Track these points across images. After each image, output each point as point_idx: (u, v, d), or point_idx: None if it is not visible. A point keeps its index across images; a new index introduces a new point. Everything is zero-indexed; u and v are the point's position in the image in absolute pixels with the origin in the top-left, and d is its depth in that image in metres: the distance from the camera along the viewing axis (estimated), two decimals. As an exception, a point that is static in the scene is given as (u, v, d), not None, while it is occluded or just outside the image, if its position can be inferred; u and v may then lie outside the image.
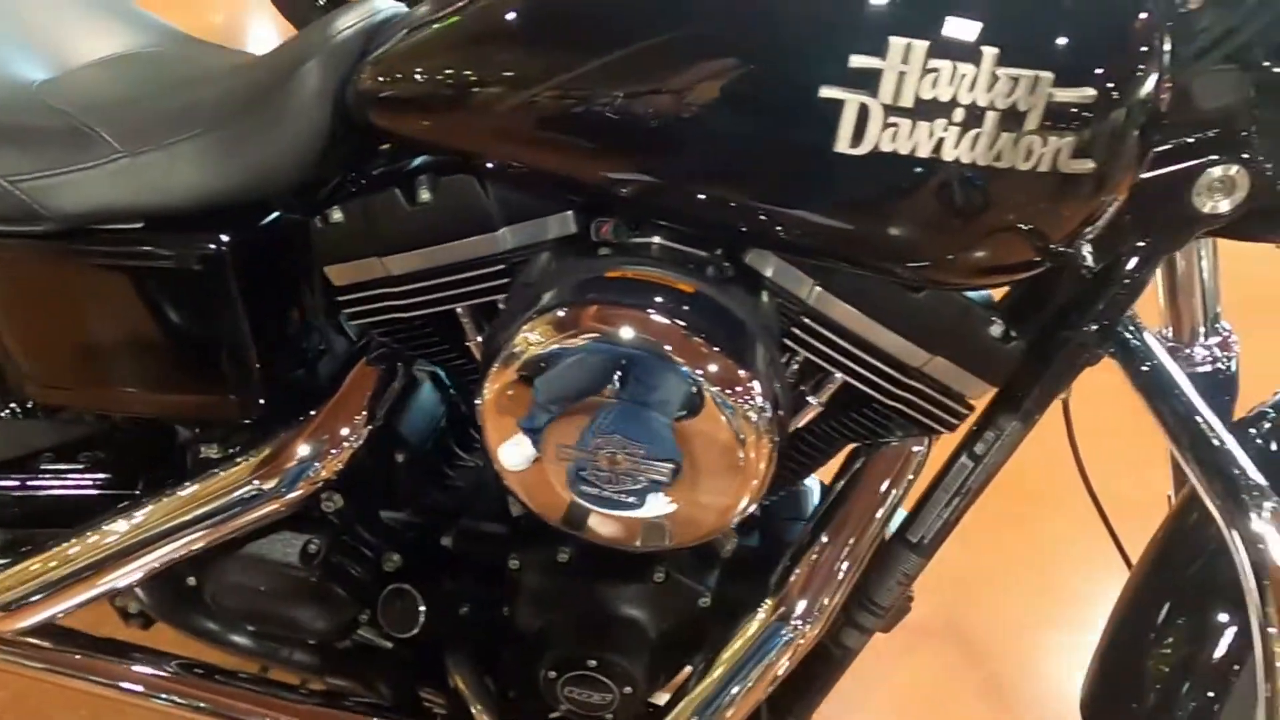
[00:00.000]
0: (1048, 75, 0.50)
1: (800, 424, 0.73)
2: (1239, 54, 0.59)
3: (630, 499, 0.62)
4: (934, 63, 0.51)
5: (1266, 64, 0.60)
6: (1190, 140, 0.62)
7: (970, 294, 0.66)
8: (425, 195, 0.67)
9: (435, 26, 0.63)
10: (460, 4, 0.62)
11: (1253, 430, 0.85)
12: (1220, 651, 0.76)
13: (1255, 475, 0.63)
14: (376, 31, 0.70)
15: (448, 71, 0.61)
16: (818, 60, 0.53)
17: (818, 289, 0.65)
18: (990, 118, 0.51)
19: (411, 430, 0.86)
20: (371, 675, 0.88)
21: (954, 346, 0.66)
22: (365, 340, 0.81)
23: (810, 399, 0.72)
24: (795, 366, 0.70)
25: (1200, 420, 0.67)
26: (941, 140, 0.52)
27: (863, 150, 0.53)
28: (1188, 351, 0.91)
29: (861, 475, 0.76)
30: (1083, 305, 0.69)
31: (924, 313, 0.65)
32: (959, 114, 0.51)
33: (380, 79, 0.64)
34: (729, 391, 0.59)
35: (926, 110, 0.51)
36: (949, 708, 1.36)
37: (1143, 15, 0.52)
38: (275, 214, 0.74)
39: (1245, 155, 0.61)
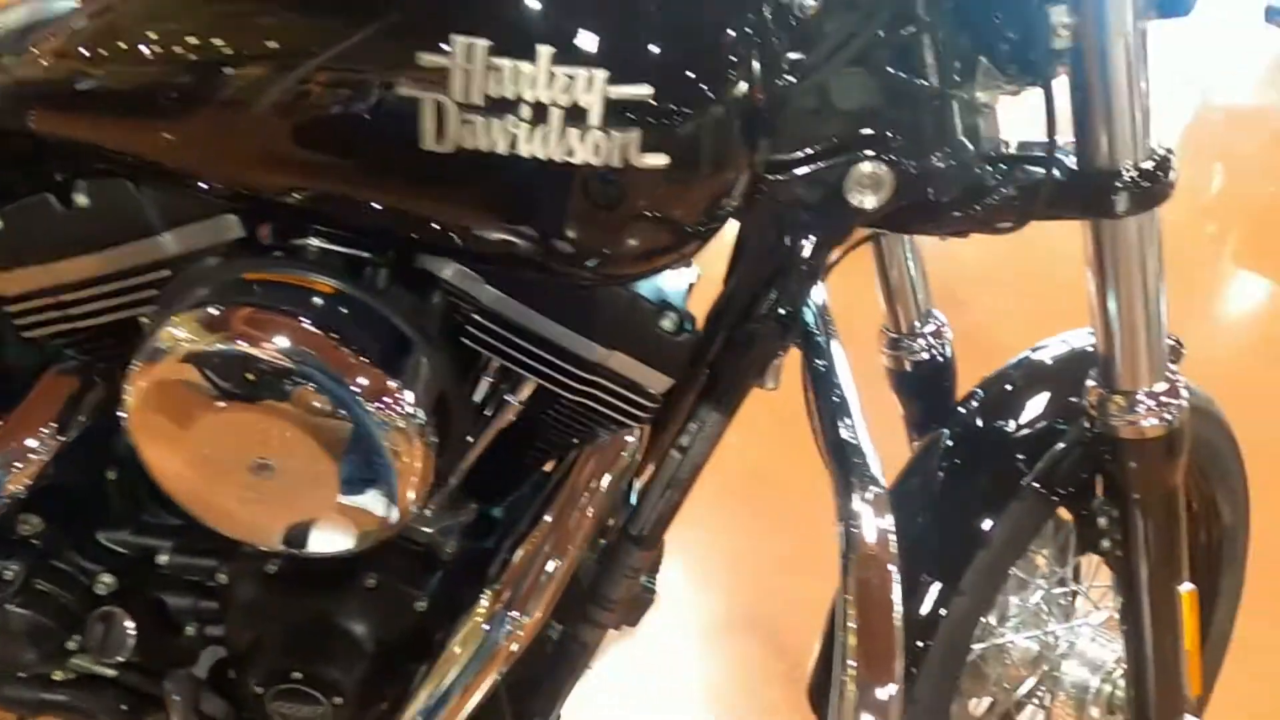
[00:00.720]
0: (601, 73, 0.52)
1: (505, 423, 0.74)
2: (863, 58, 0.63)
3: (284, 504, 0.61)
4: (496, 61, 0.52)
5: (891, 69, 0.64)
6: (839, 138, 0.66)
7: (643, 289, 0.68)
8: (82, 200, 0.65)
9: (65, 29, 0.61)
10: (92, 9, 0.61)
11: (963, 410, 0.92)
12: (925, 609, 0.81)
13: (872, 463, 0.67)
14: (35, 29, 0.67)
15: (66, 74, 0.60)
16: (393, 58, 0.54)
17: (489, 288, 0.66)
18: (555, 114, 0.53)
19: (127, 446, 0.83)
20: (93, 705, 0.84)
21: (629, 340, 0.68)
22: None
23: (509, 398, 0.73)
24: (495, 365, 0.71)
25: (842, 411, 0.71)
26: (515, 137, 0.53)
27: (447, 148, 0.54)
28: (908, 342, 0.97)
29: (574, 466, 0.77)
30: (763, 297, 0.72)
31: (596, 308, 0.67)
32: (526, 111, 0.53)
33: (13, 77, 0.62)
34: (371, 396, 0.59)
35: (496, 107, 0.53)
36: (755, 699, 1.39)
37: (711, 13, 0.55)
38: None
39: (889, 155, 0.65)
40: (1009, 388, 0.92)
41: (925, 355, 0.96)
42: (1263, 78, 4.03)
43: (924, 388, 0.97)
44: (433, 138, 0.53)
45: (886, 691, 0.54)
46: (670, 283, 0.74)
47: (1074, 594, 1.02)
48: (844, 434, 0.69)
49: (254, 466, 0.60)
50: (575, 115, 0.53)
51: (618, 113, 0.53)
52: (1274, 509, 1.68)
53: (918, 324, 0.95)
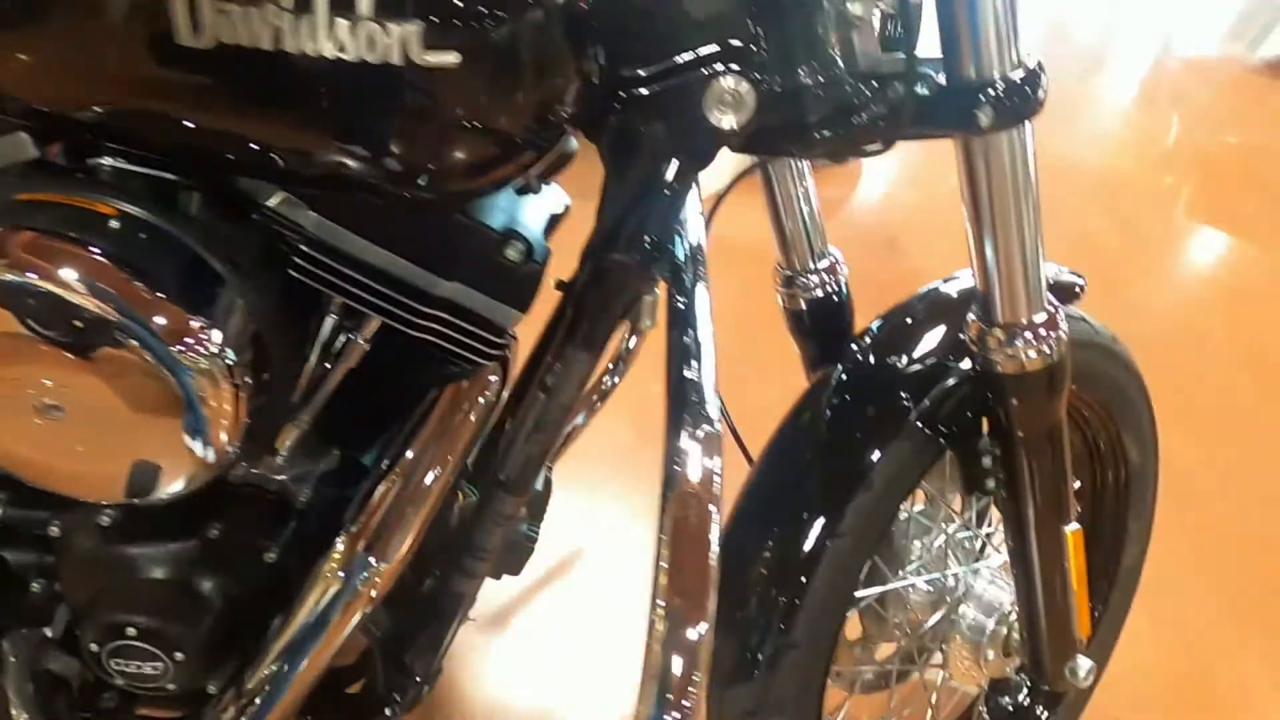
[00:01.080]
0: None
1: (353, 363, 0.70)
2: None
3: (80, 448, 0.56)
4: None
5: None
6: (693, 50, 0.60)
7: (492, 218, 0.63)
8: None
9: None
10: None
11: (855, 347, 0.88)
12: (806, 546, 0.78)
13: (710, 405, 0.63)
14: None
15: None
16: None
17: (314, 215, 0.61)
18: (320, 4, 0.47)
19: None
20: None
21: (470, 271, 0.63)
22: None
23: (353, 336, 0.68)
24: (339, 302, 0.66)
25: (692, 353, 0.67)
26: (279, 29, 0.48)
27: (206, 43, 0.48)
28: (802, 280, 0.93)
29: (434, 408, 0.73)
30: (626, 227, 0.68)
31: (434, 237, 0.62)
32: None
33: None
34: (168, 333, 0.54)
35: None
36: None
37: None
38: None
39: (751, 71, 0.60)
40: (908, 321, 0.88)
41: (820, 293, 0.92)
42: (1227, 29, 4.00)
43: (820, 326, 0.93)
44: (188, 31, 0.48)
45: (697, 631, 0.51)
46: (528, 212, 0.69)
47: (977, 537, 1.00)
48: (687, 374, 0.65)
49: (41, 408, 0.55)
50: (342, 4, 0.47)
51: (391, 2, 0.48)
52: (1200, 452, 1.68)
53: (812, 261, 0.91)
